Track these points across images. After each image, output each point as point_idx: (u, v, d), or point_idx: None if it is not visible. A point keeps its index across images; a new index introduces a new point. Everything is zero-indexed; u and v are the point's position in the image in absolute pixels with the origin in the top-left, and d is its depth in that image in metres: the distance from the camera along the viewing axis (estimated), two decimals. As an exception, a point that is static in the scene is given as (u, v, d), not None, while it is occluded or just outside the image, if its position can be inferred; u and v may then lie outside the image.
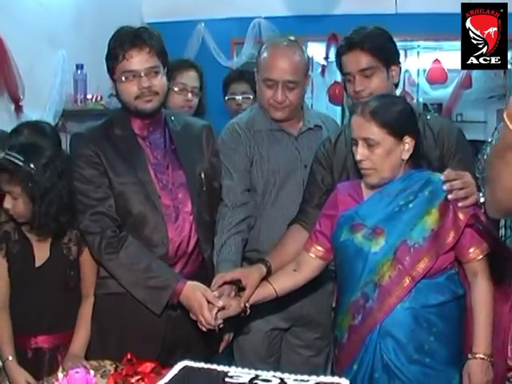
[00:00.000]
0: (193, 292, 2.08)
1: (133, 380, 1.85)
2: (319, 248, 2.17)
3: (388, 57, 2.27)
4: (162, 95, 2.22)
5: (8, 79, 3.58)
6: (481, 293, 2.01)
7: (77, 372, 1.67)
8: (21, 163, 2.10)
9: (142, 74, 2.14)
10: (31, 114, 3.67)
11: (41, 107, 3.84)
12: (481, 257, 2.00)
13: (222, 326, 2.06)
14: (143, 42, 2.14)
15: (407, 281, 1.96)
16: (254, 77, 3.14)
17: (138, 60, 2.14)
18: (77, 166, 2.21)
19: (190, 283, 2.12)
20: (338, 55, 2.34)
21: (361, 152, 2.00)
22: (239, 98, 3.52)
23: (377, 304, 1.98)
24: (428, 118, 2.29)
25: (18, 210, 2.15)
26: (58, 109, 3.95)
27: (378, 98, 2.07)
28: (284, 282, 2.16)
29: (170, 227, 2.22)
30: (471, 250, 2.00)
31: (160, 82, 2.19)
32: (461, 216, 1.97)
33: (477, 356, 1.97)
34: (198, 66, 3.20)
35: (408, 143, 2.01)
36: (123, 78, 2.16)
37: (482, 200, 2.00)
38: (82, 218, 2.18)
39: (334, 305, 2.50)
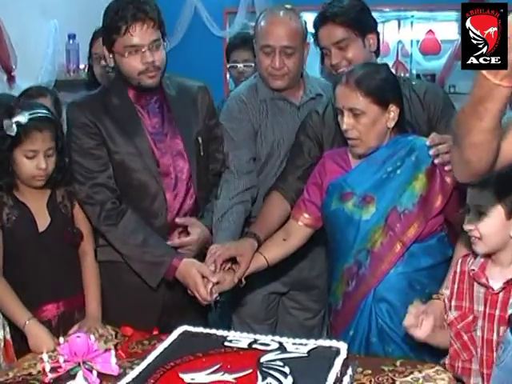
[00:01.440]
0: (188, 269, 2.10)
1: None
2: (307, 216, 2.19)
3: (362, 27, 2.28)
4: (163, 69, 2.18)
5: (0, 49, 3.57)
6: (463, 240, 2.01)
7: (78, 337, 1.68)
8: (53, 118, 2.18)
9: (145, 49, 2.08)
10: (23, 84, 3.66)
11: (33, 77, 3.82)
12: None
13: (218, 298, 2.09)
14: (146, 15, 2.06)
15: (398, 247, 2.00)
16: None
17: (142, 34, 2.06)
18: (74, 136, 2.19)
19: (185, 260, 2.13)
20: (315, 29, 2.34)
21: (346, 122, 2.01)
22: (240, 65, 3.48)
23: (369, 270, 2.02)
24: (413, 83, 2.30)
25: (51, 167, 2.13)
26: (50, 79, 3.93)
27: (362, 67, 2.07)
28: (275, 252, 2.19)
29: (169, 196, 2.23)
30: (460, 211, 2.02)
31: (162, 55, 2.14)
32: (448, 180, 2.00)
33: (441, 298, 1.96)
34: None
35: (393, 111, 2.03)
36: (126, 54, 2.10)
37: None
38: (82, 189, 2.19)
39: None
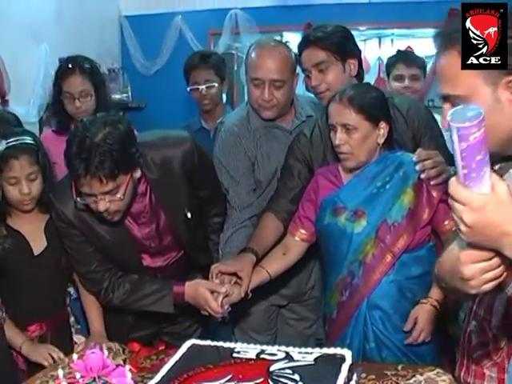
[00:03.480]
0: (195, 290, 2.16)
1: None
2: (303, 231, 2.29)
3: (343, 52, 2.37)
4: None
5: (-7, 74, 3.63)
6: (451, 249, 2.12)
7: (93, 353, 1.73)
8: (33, 142, 2.22)
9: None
10: (17, 108, 3.72)
11: (25, 101, 3.88)
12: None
13: (229, 309, 2.15)
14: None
15: (389, 257, 2.10)
16: (221, 60, 3.24)
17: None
18: (61, 233, 2.22)
19: (189, 283, 2.20)
20: (299, 52, 2.44)
21: (339, 137, 2.11)
22: (203, 87, 3.26)
23: (362, 280, 2.12)
24: (396, 100, 2.37)
25: (36, 190, 2.20)
26: (42, 102, 3.98)
27: (354, 87, 2.18)
28: (276, 267, 2.28)
29: (156, 273, 2.32)
30: (446, 222, 2.12)
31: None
32: (434, 193, 2.11)
33: (429, 301, 2.10)
34: (82, 65, 2.81)
35: (383, 128, 2.13)
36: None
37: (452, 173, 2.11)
38: (79, 272, 2.29)
39: None
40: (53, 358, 2.13)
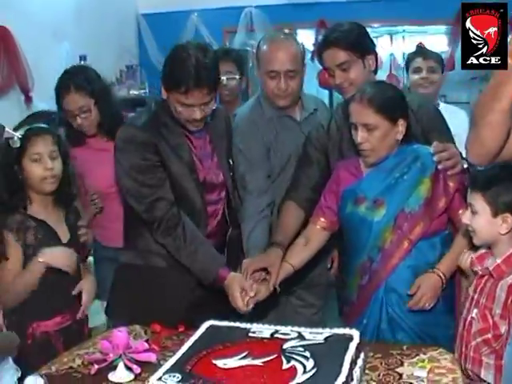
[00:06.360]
0: (232, 282, 2.28)
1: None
2: (323, 220, 2.40)
3: (362, 49, 2.47)
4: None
5: (18, 72, 3.76)
6: (462, 232, 2.23)
7: (119, 331, 1.86)
8: (51, 128, 2.38)
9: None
10: (40, 104, 3.85)
11: (48, 98, 3.99)
12: None
13: (253, 307, 2.27)
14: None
15: (406, 243, 2.22)
16: (241, 56, 3.30)
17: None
18: (134, 155, 2.31)
19: (231, 274, 2.31)
20: (319, 52, 2.54)
21: (361, 135, 2.22)
22: (223, 78, 3.30)
23: (381, 265, 2.23)
24: (407, 97, 2.43)
25: (58, 169, 2.30)
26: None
27: (373, 86, 2.27)
28: (299, 258, 2.39)
29: (210, 210, 2.44)
30: (461, 211, 2.21)
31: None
32: (450, 183, 2.22)
33: (436, 272, 2.21)
34: (77, 81, 2.81)
35: (401, 125, 2.24)
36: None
37: (465, 166, 2.23)
38: (141, 205, 2.34)
39: (329, 265, 2.83)
40: None
